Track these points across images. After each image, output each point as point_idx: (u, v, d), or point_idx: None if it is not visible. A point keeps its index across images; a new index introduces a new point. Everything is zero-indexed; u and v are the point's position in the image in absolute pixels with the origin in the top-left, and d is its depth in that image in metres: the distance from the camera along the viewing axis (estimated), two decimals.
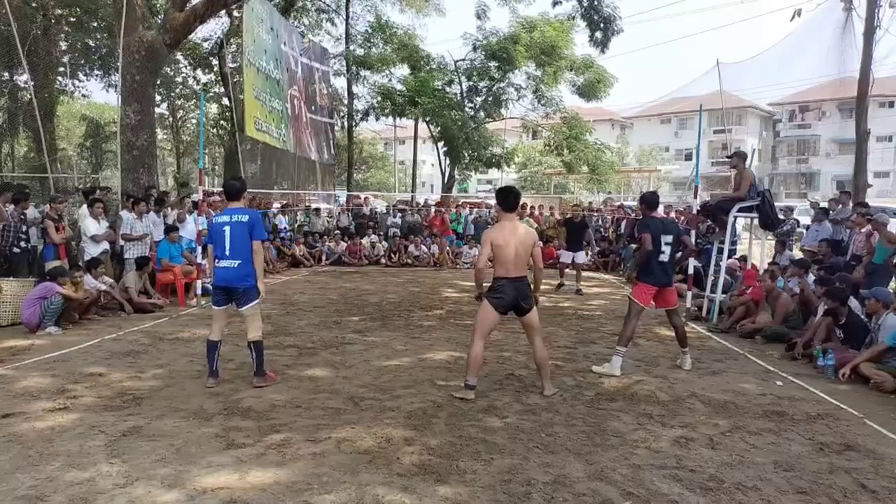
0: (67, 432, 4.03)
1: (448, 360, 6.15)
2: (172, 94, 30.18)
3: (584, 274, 11.07)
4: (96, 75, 26.06)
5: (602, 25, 17.52)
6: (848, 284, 6.84)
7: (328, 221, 17.72)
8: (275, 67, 15.42)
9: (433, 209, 18.31)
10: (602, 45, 17.83)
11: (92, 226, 8.81)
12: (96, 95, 31.34)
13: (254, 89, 14.06)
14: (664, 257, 5.79)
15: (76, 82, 26.23)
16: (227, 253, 4.99)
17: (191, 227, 10.15)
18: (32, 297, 7.08)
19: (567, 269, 11.71)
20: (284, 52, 16.41)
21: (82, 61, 25.38)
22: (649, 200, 6.06)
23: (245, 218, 5.06)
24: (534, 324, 5.00)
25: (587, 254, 11.52)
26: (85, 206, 9.33)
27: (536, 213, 17.46)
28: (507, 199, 4.98)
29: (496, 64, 21.05)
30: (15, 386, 4.99)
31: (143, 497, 3.19)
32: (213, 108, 26.84)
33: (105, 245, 8.92)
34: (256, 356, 5.09)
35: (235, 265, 4.99)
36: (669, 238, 5.81)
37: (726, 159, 8.96)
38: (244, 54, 13.81)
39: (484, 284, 5.02)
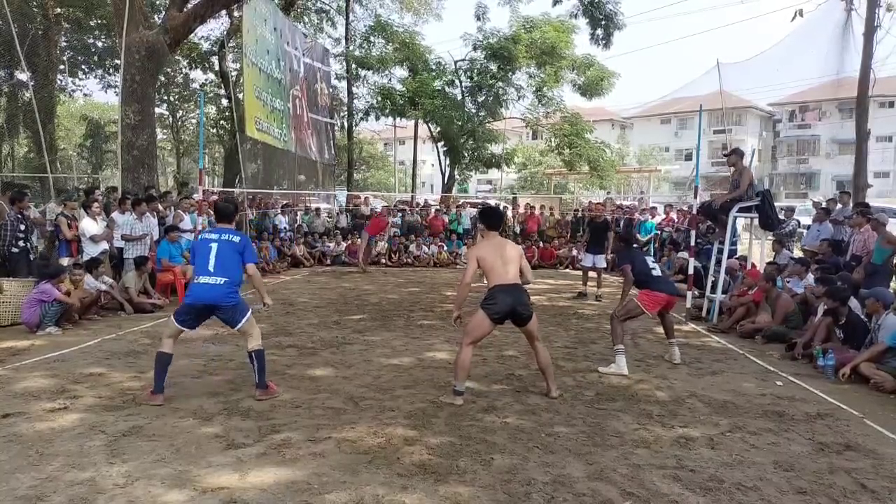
0: (67, 432, 4.02)
1: (448, 361, 6.14)
2: (172, 94, 30.21)
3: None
4: (95, 74, 26.10)
5: (603, 22, 17.46)
6: (848, 284, 6.84)
7: (328, 221, 17.72)
8: (276, 67, 15.41)
9: (432, 209, 18.34)
10: (604, 42, 17.78)
11: (91, 226, 8.82)
12: (96, 95, 31.42)
13: (255, 89, 14.05)
14: (657, 272, 6.17)
15: (76, 81, 26.29)
16: (212, 269, 4.66)
17: (188, 225, 10.15)
18: (33, 297, 7.07)
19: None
20: (287, 51, 16.41)
21: (81, 59, 25.40)
22: (627, 238, 7.33)
23: (236, 239, 4.83)
24: (534, 331, 4.97)
25: (607, 257, 11.09)
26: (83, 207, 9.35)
27: (537, 213, 17.49)
28: (492, 218, 5.19)
29: (497, 64, 21.05)
30: (15, 386, 4.99)
31: (144, 497, 3.19)
32: (212, 110, 26.87)
33: (105, 245, 8.92)
34: (258, 366, 4.80)
35: (221, 282, 4.65)
36: (651, 257, 6.52)
37: (724, 157, 8.97)
38: (245, 54, 13.80)
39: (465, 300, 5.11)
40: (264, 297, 5.03)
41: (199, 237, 5.03)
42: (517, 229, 17.19)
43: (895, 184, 43.00)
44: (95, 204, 9.07)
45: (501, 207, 19.93)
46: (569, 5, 18.03)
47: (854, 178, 13.09)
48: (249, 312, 4.86)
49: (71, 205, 9.05)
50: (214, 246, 4.74)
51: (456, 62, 21.98)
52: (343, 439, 4.00)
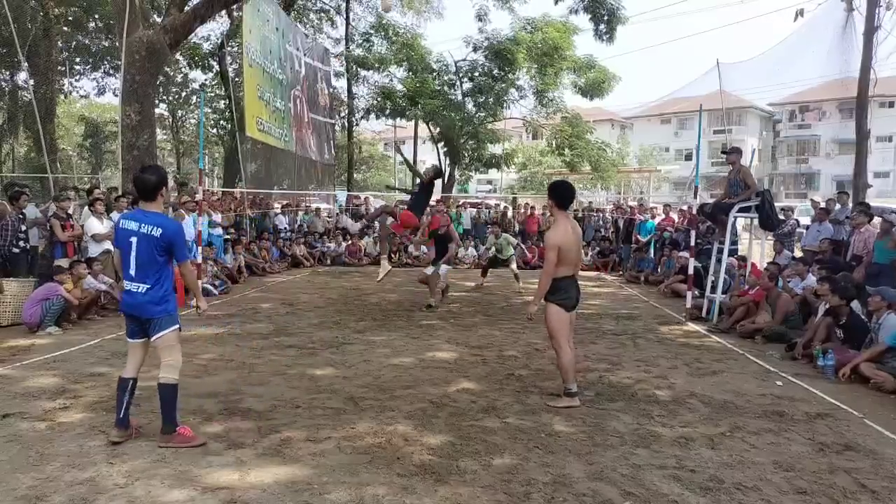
0: (67, 432, 4.03)
1: (448, 360, 6.15)
2: (172, 94, 30.22)
3: (586, 274, 11.03)
4: (93, 77, 26.16)
5: (606, 17, 17.46)
6: (851, 284, 6.81)
7: (328, 221, 17.73)
8: (279, 67, 15.41)
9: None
10: (608, 37, 17.76)
11: (95, 225, 8.82)
12: (94, 96, 31.44)
13: (258, 89, 14.02)
14: None
15: (73, 82, 26.34)
16: (133, 273, 3.85)
17: (189, 227, 10.14)
18: (36, 297, 7.08)
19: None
20: (290, 51, 16.42)
21: (77, 60, 25.44)
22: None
23: (158, 232, 3.80)
24: (573, 321, 4.95)
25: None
26: (87, 206, 9.34)
27: (537, 213, 17.47)
28: (566, 195, 4.84)
29: (497, 65, 21.03)
30: (15, 386, 4.99)
31: (144, 497, 3.19)
32: (211, 110, 26.87)
33: (107, 244, 8.91)
34: (163, 405, 3.90)
35: (143, 290, 3.84)
36: None
37: (723, 155, 8.98)
38: (245, 54, 13.79)
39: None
40: (199, 300, 4.33)
41: (119, 224, 3.98)
42: (517, 229, 17.17)
43: (895, 184, 42.99)
44: (99, 203, 9.05)
45: (502, 207, 19.95)
46: (570, 2, 17.98)
47: (854, 178, 13.08)
48: (174, 328, 3.97)
49: (61, 205, 8.93)
50: (134, 241, 3.83)
51: (456, 62, 21.97)
52: (343, 439, 4.00)
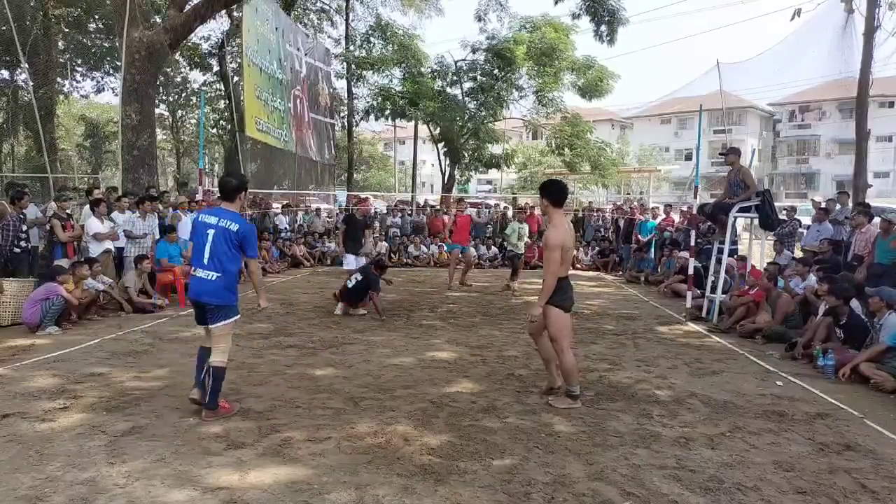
0: (67, 432, 4.02)
1: (448, 360, 6.15)
2: (172, 94, 30.22)
3: (585, 273, 11.03)
4: (93, 76, 26.15)
5: (607, 18, 17.49)
6: (851, 284, 6.81)
7: (328, 222, 17.73)
8: (278, 67, 15.42)
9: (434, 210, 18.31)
10: (609, 38, 17.78)
11: (95, 224, 8.82)
12: (94, 96, 31.52)
13: (256, 89, 14.04)
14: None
15: (73, 82, 26.33)
16: (206, 262, 4.30)
17: (187, 227, 10.14)
18: (36, 297, 7.07)
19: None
20: (289, 51, 16.42)
21: (79, 61, 25.45)
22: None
23: (235, 227, 4.32)
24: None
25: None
26: (88, 206, 9.34)
27: (537, 213, 17.46)
28: (561, 193, 4.80)
29: (497, 64, 21.04)
30: (15, 386, 4.99)
31: (143, 497, 3.19)
32: (211, 110, 26.84)
33: (108, 244, 8.92)
34: (212, 384, 4.30)
35: (213, 278, 4.29)
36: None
37: (720, 156, 8.96)
38: (244, 54, 13.81)
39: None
40: (261, 299, 4.69)
41: (199, 218, 4.49)
42: None
43: (895, 184, 42.99)
44: (103, 204, 9.05)
45: (502, 207, 19.98)
46: (570, 4, 18.14)
47: (854, 178, 13.08)
48: (233, 319, 4.44)
49: (62, 205, 8.94)
50: (211, 233, 4.31)
51: (456, 62, 21.98)
52: (343, 439, 4.00)
